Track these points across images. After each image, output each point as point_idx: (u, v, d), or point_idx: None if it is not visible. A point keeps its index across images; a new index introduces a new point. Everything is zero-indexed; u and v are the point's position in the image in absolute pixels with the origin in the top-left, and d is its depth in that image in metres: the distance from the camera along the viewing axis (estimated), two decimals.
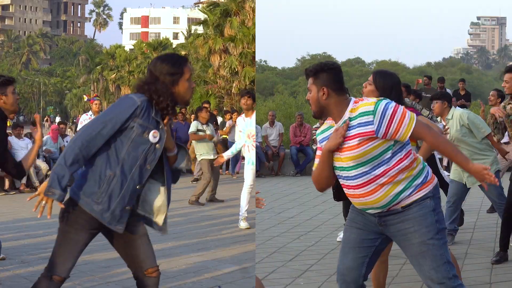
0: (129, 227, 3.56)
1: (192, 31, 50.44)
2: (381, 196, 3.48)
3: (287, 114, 22.78)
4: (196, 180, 13.75)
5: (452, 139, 6.69)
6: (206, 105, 15.54)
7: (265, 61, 74.05)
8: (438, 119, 6.94)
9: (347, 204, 7.49)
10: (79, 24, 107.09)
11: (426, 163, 3.63)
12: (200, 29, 37.22)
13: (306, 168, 15.38)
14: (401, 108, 3.41)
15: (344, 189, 3.61)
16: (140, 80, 3.52)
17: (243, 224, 8.34)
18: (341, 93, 3.47)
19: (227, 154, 8.77)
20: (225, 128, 15.66)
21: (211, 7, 33.65)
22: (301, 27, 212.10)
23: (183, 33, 63.43)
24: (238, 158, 15.04)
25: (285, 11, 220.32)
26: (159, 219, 3.60)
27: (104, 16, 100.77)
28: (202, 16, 35.67)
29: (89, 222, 3.45)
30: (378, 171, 3.44)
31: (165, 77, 3.45)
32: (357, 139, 3.39)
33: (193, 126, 11.07)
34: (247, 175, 8.32)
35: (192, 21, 74.08)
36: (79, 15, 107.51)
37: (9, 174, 5.00)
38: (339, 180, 3.59)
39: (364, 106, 3.40)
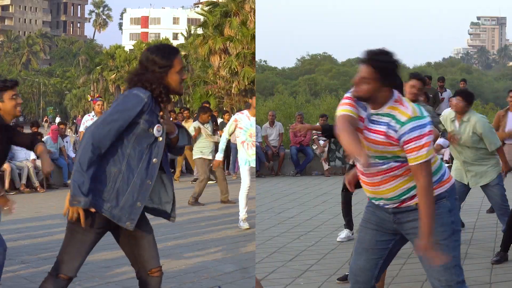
0: (137, 226, 3.56)
1: (192, 32, 50.48)
2: (393, 187, 3.46)
3: (287, 114, 22.83)
4: (196, 180, 13.73)
5: (461, 142, 6.65)
6: (206, 105, 15.52)
7: (265, 61, 74.11)
8: (452, 116, 6.77)
9: (346, 205, 7.51)
10: (78, 24, 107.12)
11: (443, 163, 3.61)
12: (199, 29, 37.28)
13: (306, 168, 15.40)
14: (429, 138, 3.33)
15: (359, 175, 3.59)
16: (131, 72, 3.52)
17: (243, 225, 8.33)
18: (389, 88, 3.40)
19: (220, 155, 8.58)
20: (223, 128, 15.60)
21: (210, 7, 33.70)
22: (301, 27, 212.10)
23: (183, 34, 63.52)
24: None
25: (285, 11, 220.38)
26: (168, 208, 3.62)
27: (104, 17, 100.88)
28: (202, 16, 35.74)
29: (97, 222, 3.45)
30: (393, 164, 3.42)
31: (154, 68, 3.45)
32: (383, 137, 3.37)
33: (194, 126, 11.03)
34: (244, 176, 8.25)
35: (191, 22, 74.31)
36: (78, 15, 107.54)
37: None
38: (359, 167, 3.56)
39: (401, 113, 3.35)
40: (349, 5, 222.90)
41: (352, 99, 3.47)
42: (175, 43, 63.53)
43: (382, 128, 3.37)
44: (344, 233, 7.56)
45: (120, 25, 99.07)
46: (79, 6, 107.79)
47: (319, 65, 72.56)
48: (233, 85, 32.85)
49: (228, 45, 32.70)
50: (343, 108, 3.45)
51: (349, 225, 7.60)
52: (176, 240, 7.58)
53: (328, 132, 6.52)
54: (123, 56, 58.66)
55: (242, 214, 8.33)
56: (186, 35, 60.52)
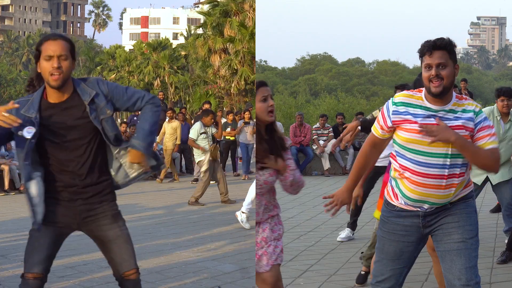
0: (100, 232, 3.52)
1: (192, 32, 50.45)
2: (450, 194, 3.43)
3: (287, 114, 22.88)
4: (196, 180, 13.72)
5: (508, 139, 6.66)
6: (207, 105, 15.49)
7: (265, 61, 74.16)
8: (497, 114, 6.73)
9: (357, 205, 7.42)
10: (78, 24, 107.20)
11: None
12: (200, 29, 37.36)
13: (306, 168, 15.40)
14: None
15: (412, 176, 3.46)
16: None
17: (245, 224, 8.27)
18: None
19: None
20: (227, 129, 15.53)
21: (210, 6, 33.84)
22: (301, 27, 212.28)
23: (183, 34, 63.48)
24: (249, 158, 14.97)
25: (285, 11, 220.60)
26: (119, 177, 3.56)
27: (103, 17, 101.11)
28: (202, 16, 35.87)
29: (52, 216, 3.44)
30: (461, 170, 3.42)
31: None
32: (464, 131, 3.35)
33: (195, 129, 10.93)
34: None
35: (192, 22, 74.40)
36: (78, 15, 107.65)
37: None
38: (411, 167, 3.44)
39: (469, 105, 3.41)
40: (349, 5, 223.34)
41: (384, 117, 3.49)
42: (175, 43, 63.62)
43: (459, 122, 3.36)
44: (344, 233, 7.56)
45: (120, 25, 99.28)
46: (79, 6, 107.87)
47: (319, 65, 72.67)
48: (232, 84, 32.96)
49: (228, 45, 32.81)
50: (374, 128, 3.56)
51: (353, 225, 7.58)
52: (176, 240, 7.59)
53: (367, 129, 6.44)
54: (123, 56, 58.53)
55: (246, 207, 8.20)
56: (186, 35, 60.45)
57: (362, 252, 6.71)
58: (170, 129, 14.43)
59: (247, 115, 15.31)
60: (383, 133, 3.54)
